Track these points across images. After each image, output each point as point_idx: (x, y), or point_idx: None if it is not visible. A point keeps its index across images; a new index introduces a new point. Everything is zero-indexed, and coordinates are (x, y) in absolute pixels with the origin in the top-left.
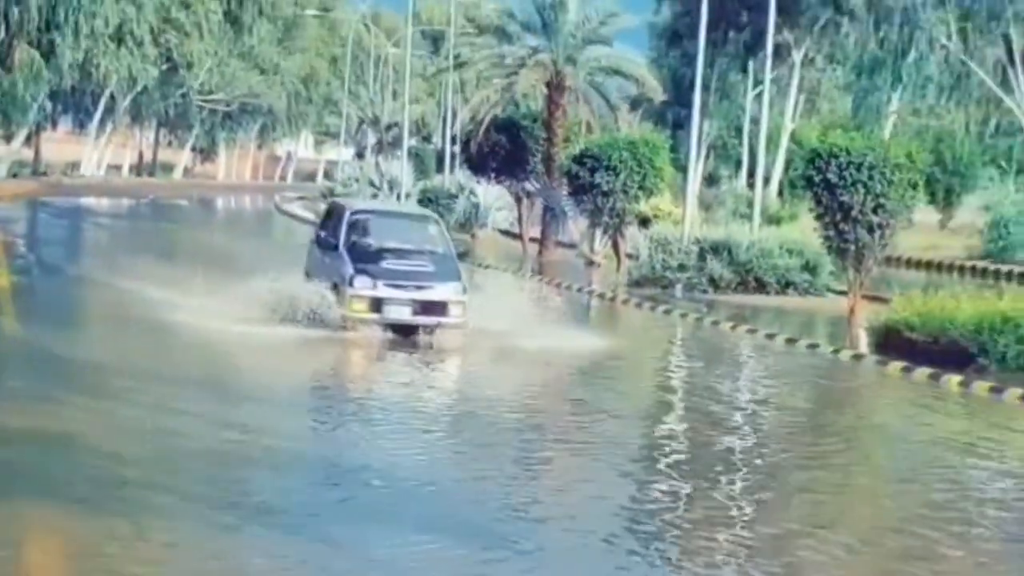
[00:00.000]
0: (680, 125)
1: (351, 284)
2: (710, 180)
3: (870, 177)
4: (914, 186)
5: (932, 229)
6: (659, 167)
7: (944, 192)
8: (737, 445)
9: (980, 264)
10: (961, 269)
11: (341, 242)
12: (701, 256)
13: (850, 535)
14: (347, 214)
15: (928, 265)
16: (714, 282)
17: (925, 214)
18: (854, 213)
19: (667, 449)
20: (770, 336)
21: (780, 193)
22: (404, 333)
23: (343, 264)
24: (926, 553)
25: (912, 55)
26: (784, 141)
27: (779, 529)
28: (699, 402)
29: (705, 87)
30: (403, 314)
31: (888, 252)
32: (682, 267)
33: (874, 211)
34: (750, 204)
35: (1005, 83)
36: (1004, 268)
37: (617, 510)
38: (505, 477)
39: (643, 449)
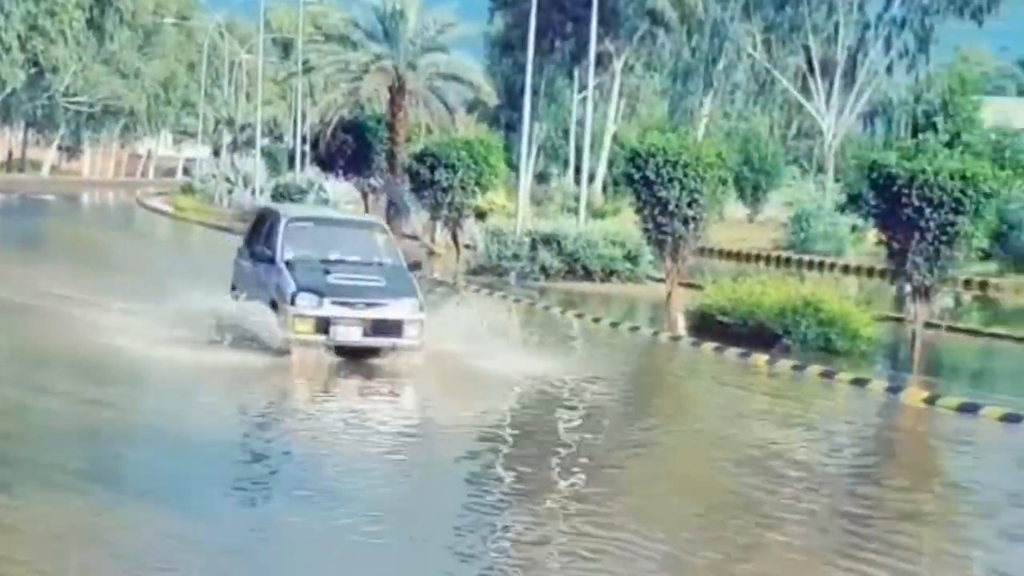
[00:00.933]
0: (512, 127)
1: (293, 302)
2: (540, 177)
3: (685, 175)
4: (724, 183)
5: (741, 222)
6: (493, 165)
7: (752, 189)
8: (564, 416)
9: (784, 254)
10: (767, 259)
11: (278, 254)
12: (533, 247)
13: (669, 486)
14: (283, 222)
15: (738, 255)
16: (545, 270)
17: (734, 209)
18: (670, 207)
19: (498, 425)
20: (596, 320)
21: (604, 189)
22: (355, 356)
23: (283, 280)
24: (736, 498)
25: (722, 63)
26: (607, 142)
27: (607, 488)
28: (532, 382)
29: (535, 92)
30: (353, 335)
31: (702, 243)
32: (516, 257)
33: (688, 205)
34: (577, 199)
35: (805, 90)
36: (805, 258)
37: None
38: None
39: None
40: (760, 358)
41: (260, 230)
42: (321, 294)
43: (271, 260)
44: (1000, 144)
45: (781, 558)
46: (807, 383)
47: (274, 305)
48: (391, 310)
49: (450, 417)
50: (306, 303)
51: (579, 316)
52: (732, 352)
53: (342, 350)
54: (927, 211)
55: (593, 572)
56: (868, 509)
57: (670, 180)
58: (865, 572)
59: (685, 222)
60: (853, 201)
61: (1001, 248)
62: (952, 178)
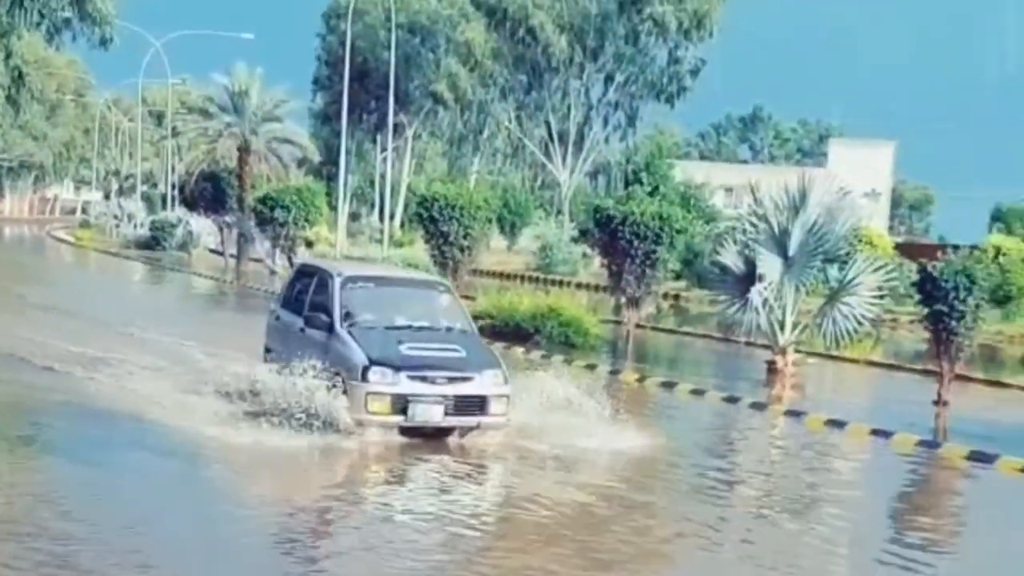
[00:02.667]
0: (332, 178)
1: (365, 377)
2: (354, 216)
3: (460, 214)
4: (489, 221)
5: (503, 251)
6: (318, 206)
7: (510, 226)
8: None
9: (534, 274)
10: (522, 277)
11: (337, 320)
12: None
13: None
14: (337, 283)
15: (500, 275)
16: None
17: (498, 240)
18: (450, 238)
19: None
20: None
21: (402, 225)
22: (430, 436)
23: (349, 351)
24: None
25: (486, 133)
26: (403, 189)
27: None
28: None
29: (348, 152)
30: (434, 415)
31: (474, 266)
32: None
33: (463, 237)
34: (381, 232)
35: (547, 153)
36: (550, 277)
37: None
38: None
39: None
40: (518, 349)
41: (303, 289)
42: (396, 368)
43: (328, 327)
44: (687, 194)
45: None
46: (552, 367)
47: (336, 379)
48: (475, 384)
49: None
50: (380, 378)
51: None
52: (498, 345)
53: (413, 430)
54: (636, 242)
55: None
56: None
57: (450, 218)
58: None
59: (461, 249)
60: (583, 235)
61: (688, 270)
62: (653, 218)
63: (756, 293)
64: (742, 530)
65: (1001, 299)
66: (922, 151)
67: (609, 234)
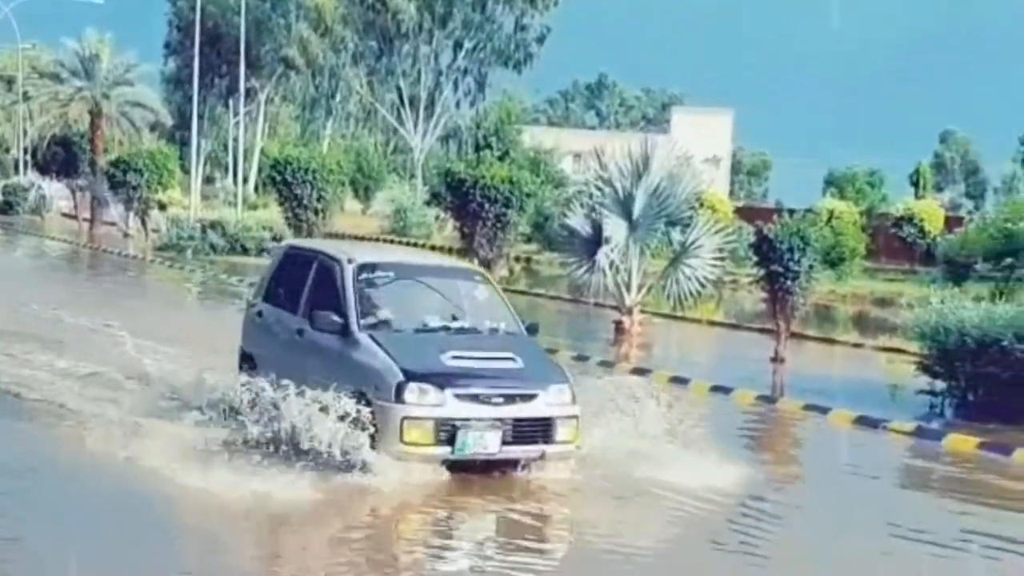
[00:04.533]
0: (185, 142)
1: (400, 397)
2: (208, 180)
3: (314, 177)
4: (343, 184)
5: (357, 214)
6: (171, 170)
7: (364, 189)
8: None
9: (389, 237)
10: (376, 240)
11: (352, 320)
12: (203, 230)
13: None
14: (348, 272)
15: (355, 238)
16: (213, 248)
17: (352, 204)
18: (304, 201)
19: None
20: (252, 284)
21: (256, 189)
22: (480, 471)
23: (376, 361)
24: None
25: (338, 97)
26: (257, 153)
27: None
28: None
29: (200, 117)
30: (490, 444)
31: (328, 228)
32: (191, 238)
33: (317, 200)
34: (235, 196)
35: (399, 118)
36: (405, 240)
37: None
38: None
39: None
40: None
41: (296, 279)
42: (440, 384)
43: (341, 330)
44: (536, 159)
45: None
46: None
47: (361, 399)
48: (539, 404)
49: None
50: (420, 398)
51: (240, 280)
52: None
53: (460, 465)
54: (487, 205)
55: None
56: None
57: (303, 181)
58: None
59: (315, 212)
60: (435, 199)
61: (539, 233)
62: (503, 182)
63: (603, 255)
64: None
65: (834, 260)
66: (760, 119)
67: (460, 197)
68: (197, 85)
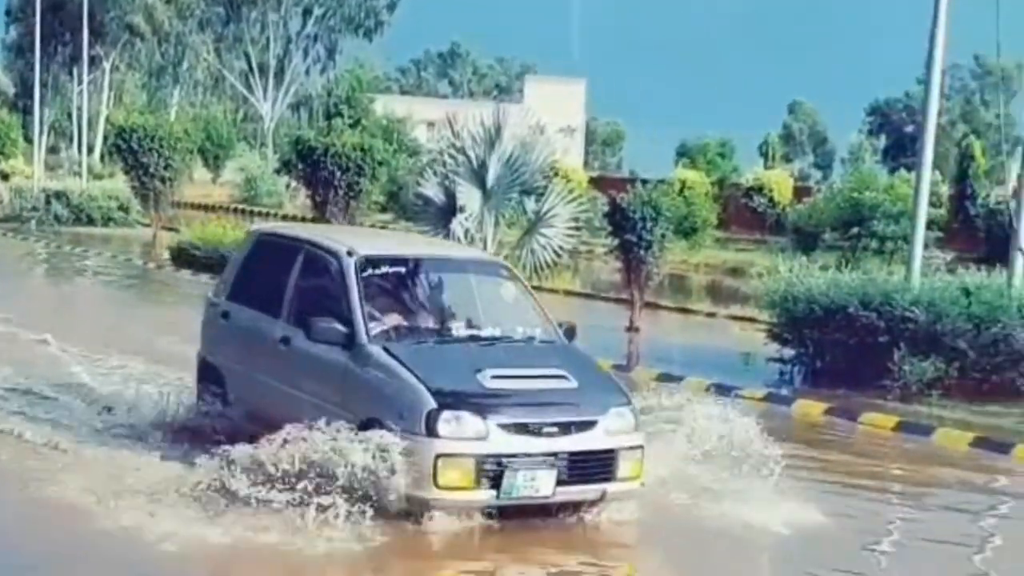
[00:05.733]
0: (28, 112)
1: (432, 429)
2: (52, 149)
3: (161, 146)
4: (191, 152)
5: (207, 183)
6: (13, 139)
7: (213, 158)
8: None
9: (240, 206)
10: (227, 209)
11: (360, 328)
12: (47, 201)
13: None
14: (351, 265)
15: (205, 207)
16: (57, 218)
17: (202, 173)
18: (151, 170)
19: None
20: (99, 253)
21: (102, 158)
22: (527, 515)
23: (394, 382)
24: None
25: (185, 65)
26: (102, 122)
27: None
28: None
29: (44, 85)
30: (543, 486)
31: (177, 198)
32: (34, 208)
33: (164, 169)
34: (80, 165)
35: (249, 86)
36: (256, 209)
37: None
38: None
39: None
40: None
41: (275, 273)
42: (482, 411)
43: (346, 341)
44: (389, 128)
45: None
46: None
47: (370, 427)
48: (598, 433)
49: None
50: (457, 430)
51: (84, 251)
52: (204, 276)
53: (507, 511)
54: (338, 174)
55: None
56: None
57: (149, 150)
58: None
59: (163, 181)
60: (286, 167)
61: (394, 202)
62: (355, 150)
63: (457, 224)
64: None
65: (687, 230)
66: (613, 89)
67: (311, 166)
68: (39, 53)
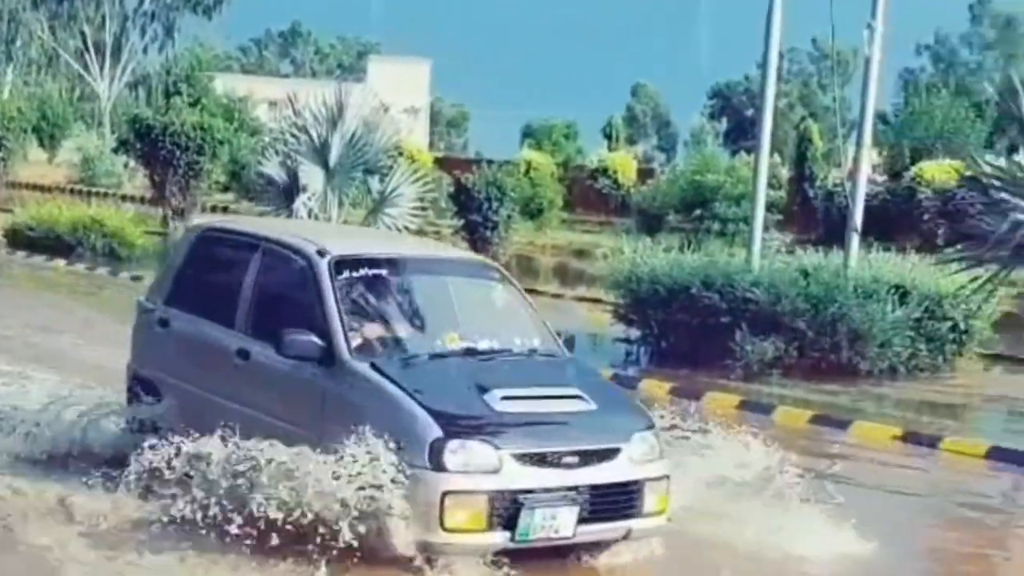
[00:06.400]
0: None
1: (438, 462)
2: None
3: None
4: (25, 131)
5: (43, 163)
6: None
7: (49, 138)
8: None
9: (77, 187)
10: (63, 190)
11: (340, 341)
12: None
13: None
14: (322, 268)
15: (41, 187)
16: None
17: (38, 153)
18: None
19: None
20: None
21: None
22: (542, 556)
23: (388, 406)
24: None
25: (19, 42)
26: None
27: None
28: None
29: None
30: (564, 525)
31: (12, 178)
32: None
33: None
34: None
35: (85, 64)
36: (94, 189)
37: None
38: None
39: None
40: (60, 262)
41: (223, 276)
42: (494, 440)
43: (323, 356)
44: (230, 107)
45: None
46: (97, 278)
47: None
48: (622, 463)
49: None
50: (467, 462)
51: None
52: (39, 258)
53: (521, 553)
54: (177, 153)
55: None
56: None
57: None
58: None
59: None
60: (124, 146)
61: (236, 182)
62: (194, 129)
63: (300, 204)
64: None
65: (533, 211)
66: (458, 71)
67: (150, 145)
68: None
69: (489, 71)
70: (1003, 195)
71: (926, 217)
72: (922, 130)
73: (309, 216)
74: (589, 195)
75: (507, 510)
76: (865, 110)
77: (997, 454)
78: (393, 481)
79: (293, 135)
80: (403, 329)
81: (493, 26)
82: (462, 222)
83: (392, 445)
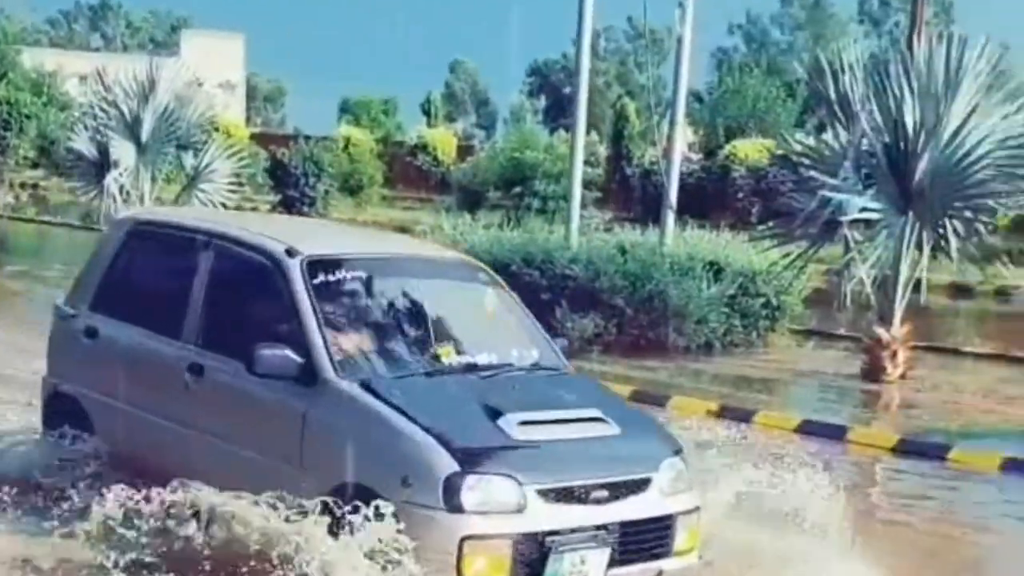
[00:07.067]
0: None
1: (454, 502)
2: None
3: None
4: None
5: None
6: None
7: None
8: None
9: None
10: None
11: (323, 356)
12: None
13: None
14: (293, 271)
15: None
16: None
17: None
18: None
19: None
20: None
21: None
22: None
23: (390, 432)
24: None
25: None
26: None
27: None
28: None
29: None
30: (593, 569)
31: None
32: None
33: None
34: None
35: None
36: None
37: None
38: None
39: None
40: None
41: (165, 278)
42: (516, 473)
43: (303, 374)
44: (38, 82)
45: None
46: None
47: (346, 497)
48: (653, 495)
49: None
50: (488, 501)
51: None
52: None
53: None
54: None
55: None
56: None
57: None
58: None
59: None
60: None
61: (46, 158)
62: (0, 104)
63: (111, 179)
64: None
65: (353, 188)
66: (272, 46)
67: None
68: None
69: (305, 47)
70: (812, 173)
71: (740, 195)
72: (735, 109)
73: (120, 193)
74: (409, 172)
75: (532, 555)
76: (678, 89)
77: (807, 427)
78: (398, 528)
79: (103, 110)
80: (389, 342)
81: (308, 0)
82: (279, 198)
83: (395, 481)
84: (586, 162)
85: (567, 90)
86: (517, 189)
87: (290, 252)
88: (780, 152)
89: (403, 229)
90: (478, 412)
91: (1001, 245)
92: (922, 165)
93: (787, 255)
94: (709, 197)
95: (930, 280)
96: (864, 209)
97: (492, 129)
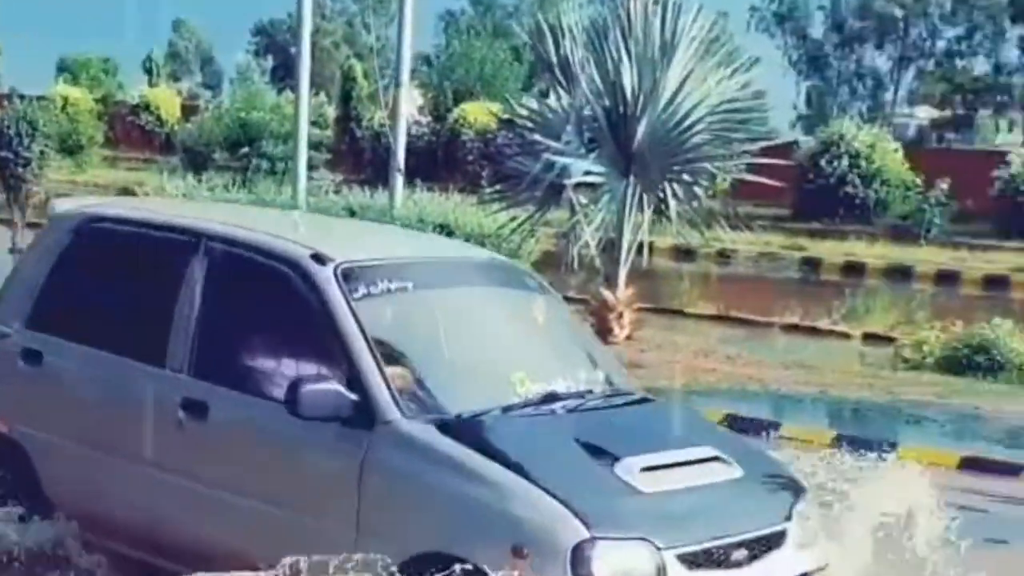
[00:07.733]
0: None
1: (587, 574)
2: None
3: None
4: None
5: None
6: None
7: None
8: None
9: None
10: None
11: (382, 393)
12: None
13: None
14: (329, 281)
15: None
16: None
17: None
18: None
19: None
20: None
21: None
22: None
23: (495, 491)
24: None
25: None
26: None
27: None
28: None
29: None
30: None
31: None
32: None
33: None
34: None
35: None
36: None
37: None
38: None
39: None
40: None
41: (131, 288)
42: (651, 535)
43: (356, 415)
44: None
45: None
46: None
47: (430, 568)
48: (789, 552)
49: None
50: (623, 570)
51: None
52: None
53: None
54: None
55: None
56: None
57: None
58: None
59: None
60: None
61: None
62: None
63: None
64: None
65: (72, 148)
66: None
67: None
68: None
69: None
70: (536, 137)
71: (470, 158)
72: (463, 72)
73: None
74: (132, 132)
75: None
76: (401, 51)
77: None
78: None
79: None
80: (450, 369)
81: None
82: None
83: (501, 552)
84: (314, 123)
85: (294, 50)
86: (244, 150)
87: (318, 258)
88: (506, 116)
89: (126, 190)
90: (586, 458)
91: (720, 209)
92: (641, 129)
93: (515, 218)
94: (439, 160)
95: (654, 243)
96: (588, 172)
97: (218, 89)
